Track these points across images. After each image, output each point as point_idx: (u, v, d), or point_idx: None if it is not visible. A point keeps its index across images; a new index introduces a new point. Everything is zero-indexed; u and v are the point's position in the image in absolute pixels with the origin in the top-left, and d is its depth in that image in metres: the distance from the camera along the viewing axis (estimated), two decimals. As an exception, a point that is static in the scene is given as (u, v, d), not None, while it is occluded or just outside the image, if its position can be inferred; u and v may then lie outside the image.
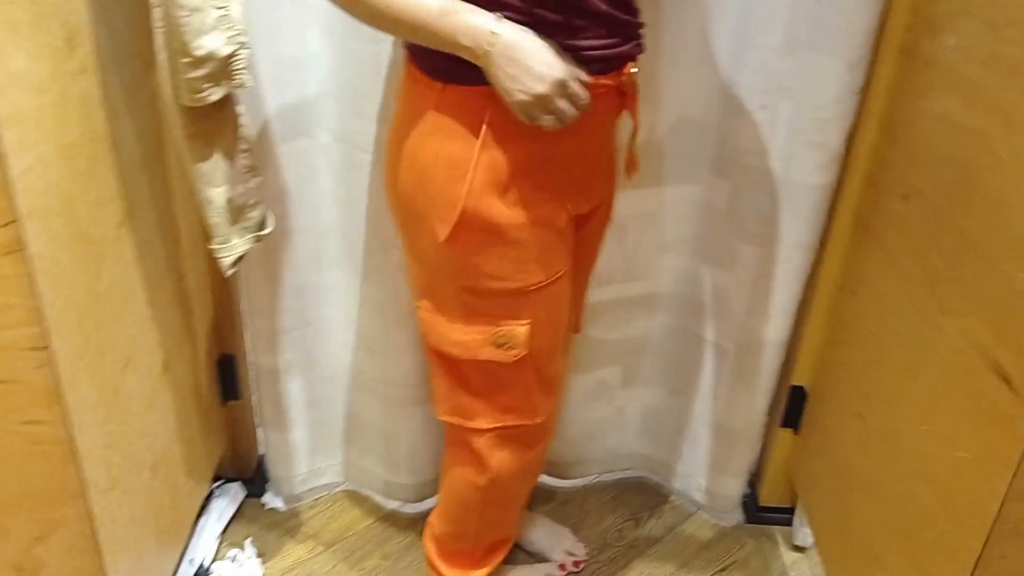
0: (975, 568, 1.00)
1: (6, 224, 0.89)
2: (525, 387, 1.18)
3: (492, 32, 0.92)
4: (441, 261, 1.09)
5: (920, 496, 1.15)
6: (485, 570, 1.42)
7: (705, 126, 1.41)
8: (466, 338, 1.13)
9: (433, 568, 1.43)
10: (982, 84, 1.05)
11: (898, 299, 1.24)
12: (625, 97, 1.11)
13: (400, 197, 1.11)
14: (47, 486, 1.06)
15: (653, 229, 1.51)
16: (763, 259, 1.45)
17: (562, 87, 0.95)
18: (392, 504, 1.74)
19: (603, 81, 1.03)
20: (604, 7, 0.99)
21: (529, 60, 0.93)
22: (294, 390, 1.63)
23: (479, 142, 1.00)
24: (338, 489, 1.78)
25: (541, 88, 0.93)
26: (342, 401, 1.68)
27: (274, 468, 1.72)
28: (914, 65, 1.23)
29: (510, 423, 1.21)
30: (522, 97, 0.94)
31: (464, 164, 1.01)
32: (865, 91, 1.31)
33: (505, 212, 1.04)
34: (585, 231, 1.25)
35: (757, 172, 1.39)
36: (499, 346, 1.12)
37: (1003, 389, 0.97)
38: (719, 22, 1.32)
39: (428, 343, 1.19)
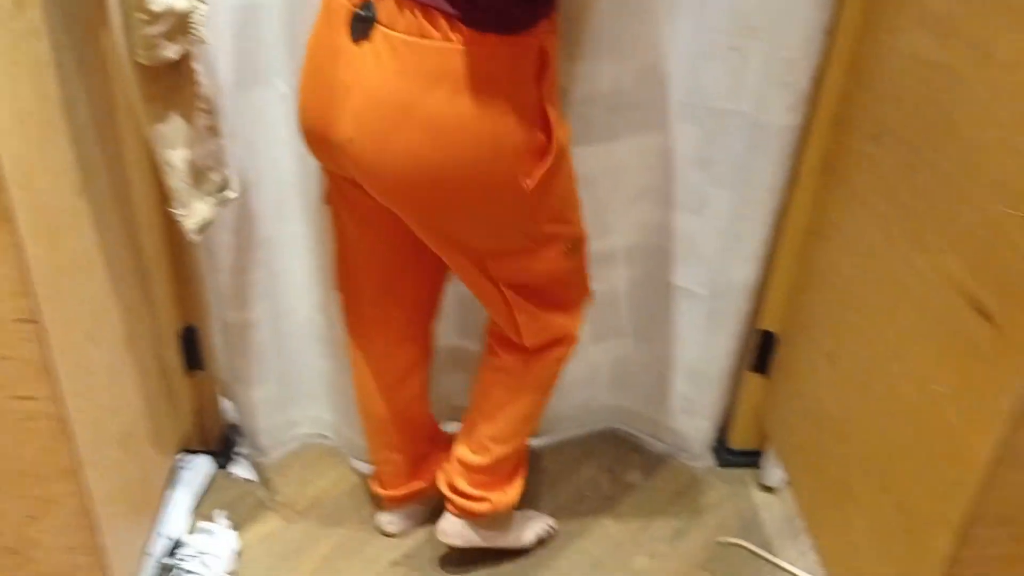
0: (952, 499, 1.03)
1: None
2: (583, 272, 1.34)
3: None
4: (521, 211, 1.14)
5: (895, 432, 1.17)
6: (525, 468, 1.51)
7: (672, 73, 1.39)
8: (548, 262, 1.23)
9: (485, 502, 1.42)
10: (954, 19, 1.05)
11: (870, 240, 1.25)
12: None
13: (457, 175, 1.06)
14: (39, 463, 1.02)
15: (621, 181, 1.49)
16: (733, 202, 1.45)
17: None
18: (357, 464, 1.73)
19: None
20: None
21: None
22: (262, 344, 1.61)
23: (544, 79, 1.06)
24: (309, 444, 1.77)
25: None
26: (308, 354, 1.66)
27: (247, 423, 1.70)
28: (881, 2, 1.23)
29: (580, 308, 1.37)
30: None
31: (540, 106, 1.07)
32: (833, 30, 1.30)
33: (565, 132, 1.13)
34: None
35: (728, 115, 1.39)
36: (570, 253, 1.26)
37: (981, 322, 0.99)
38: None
39: (506, 282, 1.24)
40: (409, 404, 1.47)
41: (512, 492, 1.46)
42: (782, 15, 1.28)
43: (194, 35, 1.03)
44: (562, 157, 1.13)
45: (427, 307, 1.42)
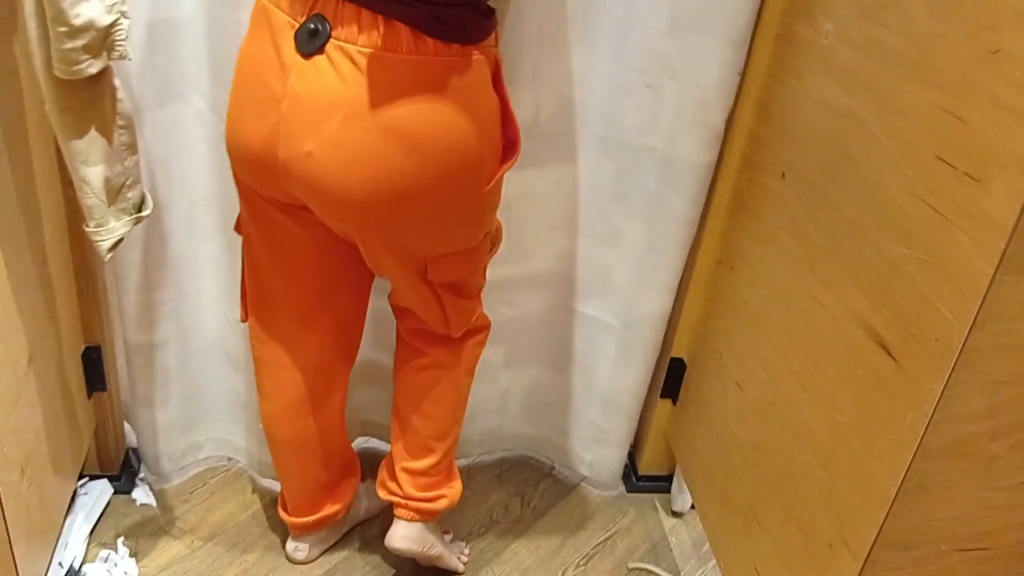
0: (855, 525, 1.08)
1: None
2: (485, 263, 1.36)
3: None
4: (476, 211, 1.19)
5: (800, 459, 1.22)
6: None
7: (589, 106, 1.43)
8: (479, 259, 1.30)
9: (441, 498, 1.46)
10: (858, 68, 1.11)
11: (776, 272, 1.31)
12: None
13: (419, 184, 1.06)
14: None
15: (538, 209, 1.52)
16: (647, 235, 1.49)
17: None
18: (267, 482, 1.70)
19: None
20: None
21: None
22: (168, 365, 1.58)
23: (496, 83, 1.11)
24: (212, 468, 1.73)
25: None
26: (216, 375, 1.63)
27: (147, 448, 1.66)
28: (790, 49, 1.29)
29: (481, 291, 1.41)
30: None
31: (496, 108, 1.11)
32: (744, 73, 1.36)
33: (513, 125, 1.16)
34: None
35: (642, 151, 1.43)
36: (492, 246, 1.33)
37: (881, 355, 1.04)
38: (604, 3, 1.34)
39: (446, 280, 1.27)
40: (328, 430, 1.45)
41: (458, 481, 1.51)
42: (698, 57, 1.33)
43: (117, 50, 1.00)
44: (510, 147, 1.19)
45: (350, 329, 1.41)
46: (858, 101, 1.11)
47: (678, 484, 1.72)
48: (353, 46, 0.99)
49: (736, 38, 1.31)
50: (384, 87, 1.00)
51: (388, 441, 1.51)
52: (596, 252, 1.56)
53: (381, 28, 0.98)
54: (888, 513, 1.00)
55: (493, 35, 1.10)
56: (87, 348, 1.52)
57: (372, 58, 0.99)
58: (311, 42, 1.00)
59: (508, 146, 1.16)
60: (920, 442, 0.95)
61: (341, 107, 1.01)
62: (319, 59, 1.00)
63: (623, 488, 1.80)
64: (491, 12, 1.07)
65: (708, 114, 1.37)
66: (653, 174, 1.44)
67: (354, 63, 1.00)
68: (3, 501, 1.14)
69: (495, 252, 1.38)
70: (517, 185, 1.45)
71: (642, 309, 1.56)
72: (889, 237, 1.03)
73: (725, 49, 1.31)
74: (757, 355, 1.36)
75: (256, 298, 1.34)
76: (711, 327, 1.54)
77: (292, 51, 1.02)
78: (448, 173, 1.07)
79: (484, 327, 1.45)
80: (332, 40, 1.00)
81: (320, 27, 1.00)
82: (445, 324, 1.34)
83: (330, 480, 1.49)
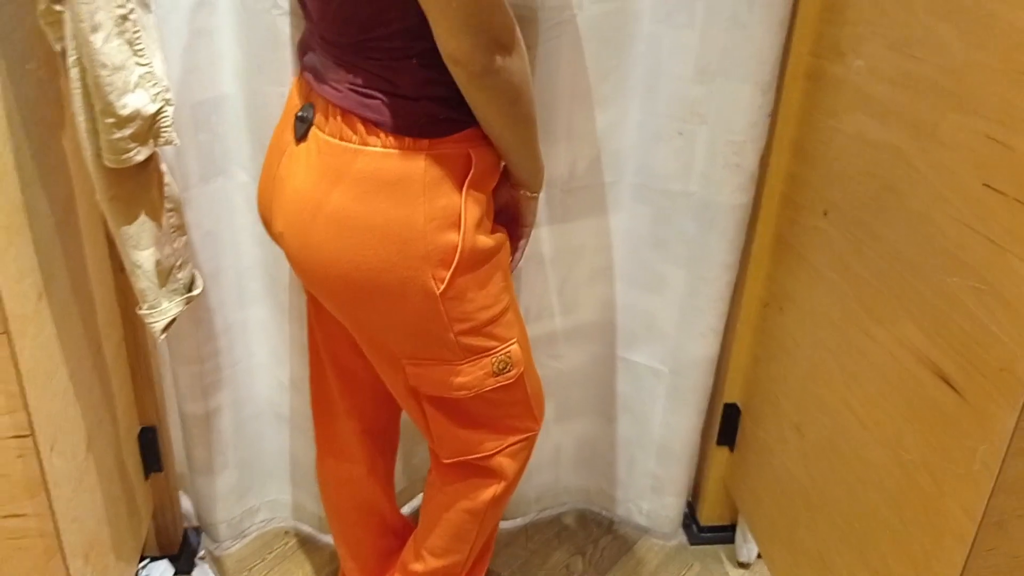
0: (931, 568, 1.04)
1: None
2: (523, 402, 1.23)
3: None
4: (432, 315, 1.07)
5: (867, 501, 1.19)
6: None
7: (623, 156, 1.44)
8: (469, 378, 1.14)
9: None
10: (893, 102, 1.11)
11: (826, 311, 1.29)
12: None
13: (373, 273, 1.04)
14: None
15: (579, 261, 1.52)
16: (688, 280, 1.49)
17: None
18: (325, 548, 1.71)
19: None
20: None
21: None
22: (223, 432, 1.60)
23: (466, 184, 1.03)
24: (271, 536, 1.74)
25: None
26: (268, 437, 1.65)
27: (206, 516, 1.67)
28: (821, 87, 1.29)
29: (515, 439, 1.26)
30: (532, 226, 1.23)
31: (455, 209, 1.03)
32: (775, 114, 1.36)
33: (488, 239, 1.08)
34: None
35: (678, 196, 1.43)
36: (500, 372, 1.16)
37: (943, 388, 1.02)
38: (631, 56, 1.35)
39: (424, 394, 1.18)
40: (371, 497, 1.44)
41: None
42: (728, 101, 1.34)
43: (163, 136, 1.03)
44: (485, 265, 1.09)
45: (391, 397, 1.40)
46: (896, 134, 1.10)
47: (742, 534, 1.68)
48: (322, 135, 1.02)
49: (764, 81, 1.31)
50: (326, 174, 1.01)
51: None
52: (639, 299, 1.56)
53: (339, 118, 1.00)
54: (969, 555, 0.97)
55: (469, 133, 1.03)
56: (143, 430, 1.53)
57: (328, 146, 1.01)
58: (300, 128, 1.05)
59: (478, 255, 1.08)
60: (997, 477, 0.92)
61: (300, 192, 1.04)
62: (303, 146, 1.05)
63: (684, 538, 1.76)
64: (460, 110, 1.00)
65: (741, 156, 1.37)
66: (690, 219, 1.44)
67: (319, 151, 1.02)
68: (69, 588, 1.14)
69: (513, 387, 1.20)
70: (559, 237, 1.46)
71: (690, 354, 1.55)
72: (940, 268, 1.02)
73: (754, 92, 1.32)
74: (814, 396, 1.34)
75: (312, 355, 1.35)
76: (763, 371, 1.52)
77: (292, 136, 1.07)
78: (384, 265, 1.03)
79: (498, 476, 1.27)
80: (313, 128, 1.03)
81: (307, 115, 1.04)
82: (431, 439, 1.26)
83: (382, 548, 1.48)
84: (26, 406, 0.92)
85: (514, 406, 1.23)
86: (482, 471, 1.26)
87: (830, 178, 1.27)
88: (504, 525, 1.77)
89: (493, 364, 1.15)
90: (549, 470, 1.75)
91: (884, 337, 1.14)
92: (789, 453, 1.42)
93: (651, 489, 1.72)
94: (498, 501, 1.30)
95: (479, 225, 1.06)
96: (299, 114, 1.06)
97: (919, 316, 1.06)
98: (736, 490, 1.67)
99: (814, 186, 1.32)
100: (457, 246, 1.04)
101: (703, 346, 1.55)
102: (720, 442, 1.66)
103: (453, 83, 0.95)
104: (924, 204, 1.05)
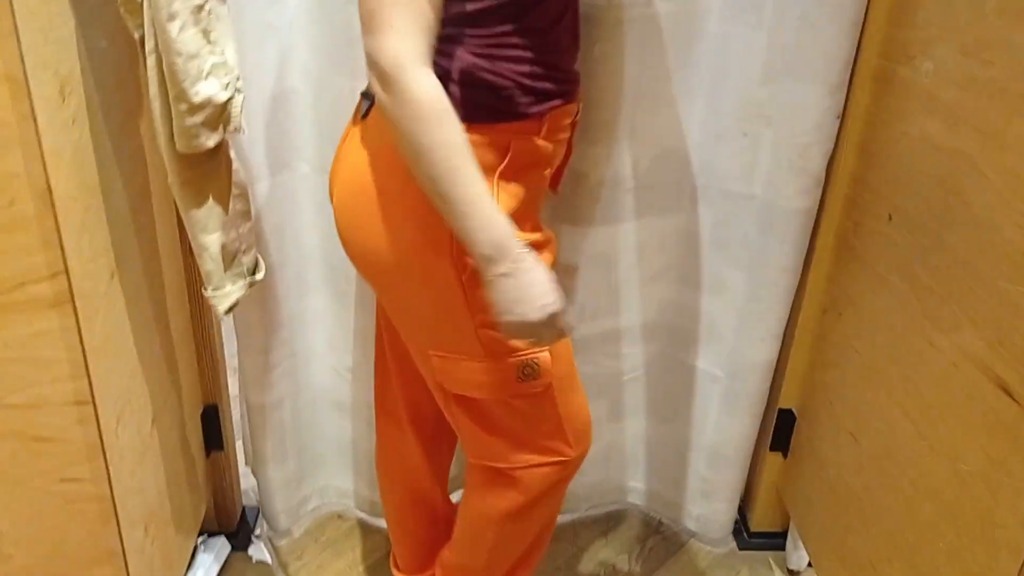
0: (987, 579, 1.02)
1: (54, 275, 0.87)
2: (554, 420, 1.17)
3: (518, 254, 0.94)
4: (458, 302, 1.06)
5: (922, 511, 1.17)
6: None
7: (686, 156, 1.43)
8: (490, 377, 1.11)
9: None
10: (962, 106, 1.08)
11: (887, 318, 1.27)
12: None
13: (397, 254, 1.05)
14: (85, 546, 1.03)
15: (640, 261, 1.52)
16: (749, 283, 1.48)
17: (554, 319, 0.97)
18: (376, 534, 1.74)
19: (574, 108, 1.11)
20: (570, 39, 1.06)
21: (536, 289, 0.95)
22: (284, 422, 1.63)
23: (497, 172, 1.02)
24: (325, 522, 1.78)
25: (536, 317, 0.96)
26: (325, 424, 1.69)
27: (267, 506, 1.70)
28: (890, 90, 1.27)
29: (543, 460, 1.19)
30: (516, 319, 0.96)
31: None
32: (843, 116, 1.34)
33: (520, 233, 1.01)
34: None
35: (740, 198, 1.42)
36: (524, 378, 1.11)
37: (1006, 400, 0.99)
38: (697, 55, 1.35)
39: (449, 389, 1.16)
40: (424, 487, 1.46)
41: None
42: (794, 102, 1.33)
43: (232, 124, 1.06)
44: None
45: None
46: (964, 139, 1.08)
47: (793, 541, 1.66)
48: (377, 113, 1.03)
49: (833, 82, 1.30)
50: (373, 153, 1.03)
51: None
52: (698, 302, 1.55)
53: (373, 100, 1.03)
54: (1022, 568, 0.94)
55: (517, 126, 1.02)
56: (205, 408, 1.58)
57: (376, 124, 1.03)
58: (364, 106, 1.08)
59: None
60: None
61: (346, 169, 1.08)
62: (361, 123, 1.08)
63: (734, 544, 1.75)
64: (500, 96, 0.99)
65: (807, 159, 1.36)
66: (753, 221, 1.43)
67: (373, 128, 1.05)
68: (127, 557, 1.19)
69: (533, 390, 1.13)
70: (619, 237, 1.46)
71: (748, 359, 1.54)
72: (1005, 276, 1.00)
73: (822, 93, 1.30)
74: (871, 404, 1.32)
75: (376, 344, 1.37)
76: (820, 376, 1.50)
77: (359, 116, 1.10)
78: (410, 248, 1.03)
79: (518, 490, 1.21)
80: (375, 107, 1.04)
81: (368, 97, 1.07)
82: (459, 436, 1.24)
83: (434, 538, 1.50)
84: (88, 374, 0.96)
85: (543, 423, 1.17)
86: (504, 480, 1.22)
87: (895, 182, 1.25)
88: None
89: (518, 368, 1.10)
90: (600, 468, 1.75)
91: (945, 345, 1.12)
92: (844, 460, 1.40)
93: (702, 493, 1.71)
94: (515, 516, 1.24)
95: (513, 212, 1.03)
96: (363, 91, 1.08)
97: (982, 325, 1.04)
98: (788, 496, 1.65)
99: (879, 190, 1.30)
100: None
101: (761, 351, 1.54)
102: (774, 447, 1.64)
103: (501, 73, 0.96)
104: (991, 210, 1.02)
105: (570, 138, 1.16)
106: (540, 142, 1.05)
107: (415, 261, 1.04)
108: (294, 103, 1.37)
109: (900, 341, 1.23)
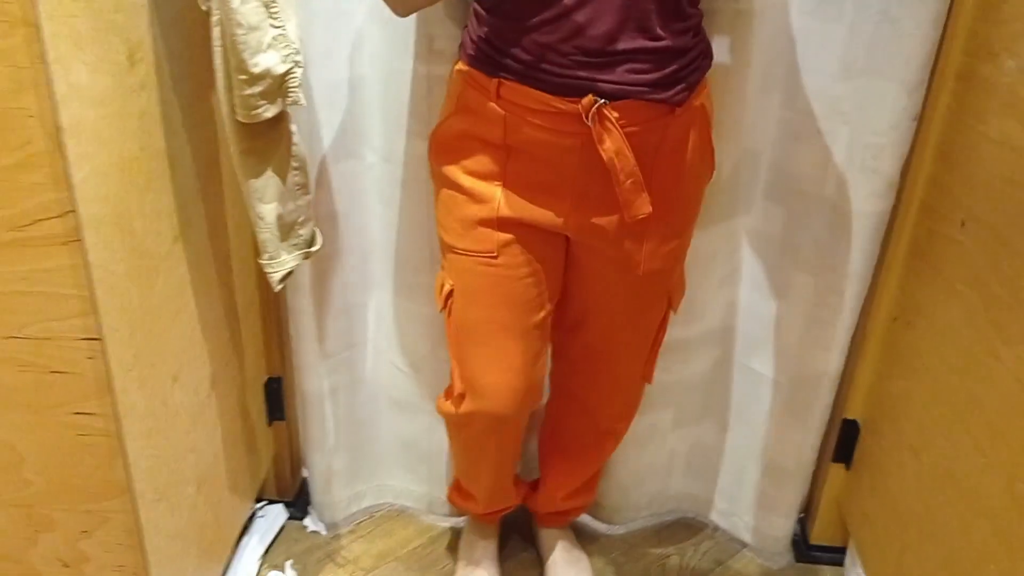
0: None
1: (64, 214, 0.91)
2: (454, 348, 1.30)
3: None
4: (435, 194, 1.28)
5: (977, 532, 1.11)
6: (461, 505, 1.59)
7: (759, 154, 1.40)
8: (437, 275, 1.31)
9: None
10: (1044, 107, 1.03)
11: (956, 329, 1.21)
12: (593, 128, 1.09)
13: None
14: (94, 479, 1.07)
15: (711, 266, 1.48)
16: (816, 288, 1.42)
17: None
18: (433, 519, 1.75)
19: (557, 104, 1.08)
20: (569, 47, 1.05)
21: None
22: (337, 414, 1.63)
23: (457, 96, 1.19)
24: (379, 513, 1.78)
25: None
26: (382, 422, 1.68)
27: (316, 494, 1.71)
28: (971, 89, 1.21)
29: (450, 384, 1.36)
30: None
31: (447, 114, 1.21)
32: (920, 117, 1.28)
33: (443, 166, 1.21)
34: (588, 267, 1.26)
35: (812, 199, 1.37)
36: (440, 289, 1.29)
37: (1068, 420, 0.94)
38: (775, 49, 1.31)
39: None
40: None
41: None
42: (871, 100, 1.27)
43: (291, 96, 1.09)
44: (437, 179, 1.27)
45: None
46: (1043, 141, 1.02)
47: (852, 557, 1.60)
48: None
49: (912, 80, 1.24)
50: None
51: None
52: (763, 305, 1.50)
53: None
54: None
55: (471, 71, 1.15)
56: (269, 379, 1.63)
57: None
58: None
59: (435, 167, 1.26)
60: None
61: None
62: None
63: (792, 557, 1.69)
64: (465, 41, 1.19)
65: (881, 161, 1.30)
66: (824, 224, 1.38)
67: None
68: (176, 512, 1.23)
69: (441, 302, 1.30)
70: (694, 243, 1.37)
71: (811, 367, 1.48)
72: (1077, 288, 0.94)
73: (899, 92, 1.25)
74: (935, 419, 1.26)
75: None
76: (886, 387, 1.44)
77: None
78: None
79: (449, 392, 1.37)
80: None
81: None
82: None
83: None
84: (96, 310, 0.98)
85: (449, 343, 1.31)
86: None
87: (971, 186, 1.19)
88: (607, 529, 1.76)
89: (439, 277, 1.30)
90: (660, 477, 1.72)
91: (1011, 360, 1.06)
92: (904, 476, 1.34)
93: (759, 505, 1.66)
94: (444, 414, 1.39)
95: (449, 143, 1.19)
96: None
97: (1049, 339, 0.98)
98: (848, 510, 1.59)
99: (953, 194, 1.24)
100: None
101: (825, 360, 1.47)
102: (836, 459, 1.58)
103: (484, 37, 1.11)
104: (1065, 218, 0.96)
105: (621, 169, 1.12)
106: (491, 104, 1.12)
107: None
108: (362, 90, 1.37)
109: (966, 354, 1.17)
